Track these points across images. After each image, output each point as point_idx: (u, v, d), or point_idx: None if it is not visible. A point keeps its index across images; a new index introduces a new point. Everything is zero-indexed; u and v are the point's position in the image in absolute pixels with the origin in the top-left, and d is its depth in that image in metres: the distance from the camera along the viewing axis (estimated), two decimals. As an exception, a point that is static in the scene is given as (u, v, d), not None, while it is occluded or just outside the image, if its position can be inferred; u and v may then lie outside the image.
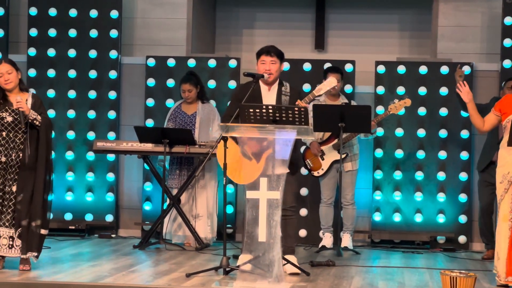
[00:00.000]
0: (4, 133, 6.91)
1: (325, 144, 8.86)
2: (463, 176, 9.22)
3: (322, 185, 8.97)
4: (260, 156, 6.43)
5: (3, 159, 6.88)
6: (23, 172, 6.87)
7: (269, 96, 7.10)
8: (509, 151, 6.73)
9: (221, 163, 6.97)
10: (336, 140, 8.80)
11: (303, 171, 9.19)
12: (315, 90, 7.02)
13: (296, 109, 6.54)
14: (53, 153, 9.50)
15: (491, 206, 8.51)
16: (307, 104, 6.87)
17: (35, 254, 6.87)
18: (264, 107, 6.57)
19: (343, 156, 8.64)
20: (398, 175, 9.34)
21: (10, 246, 6.87)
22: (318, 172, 8.88)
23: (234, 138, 6.72)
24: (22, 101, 6.81)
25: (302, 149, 9.00)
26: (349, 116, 8.36)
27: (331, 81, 7.05)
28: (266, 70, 7.04)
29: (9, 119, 6.89)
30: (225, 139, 6.67)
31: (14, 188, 6.87)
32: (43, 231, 6.92)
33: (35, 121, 6.84)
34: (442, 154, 9.29)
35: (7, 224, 6.87)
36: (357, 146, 8.99)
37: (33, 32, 9.87)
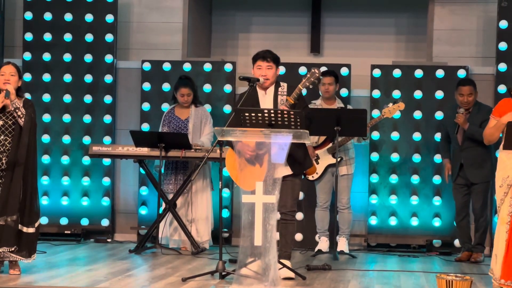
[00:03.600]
0: None
1: (319, 148, 8.87)
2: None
3: (318, 189, 8.97)
4: (262, 160, 6.46)
5: None
6: (6, 174, 6.88)
7: (266, 100, 7.12)
8: (508, 154, 6.72)
9: (231, 172, 6.92)
10: (330, 144, 8.81)
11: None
12: (300, 84, 7.01)
13: (292, 113, 6.55)
14: (48, 157, 9.54)
15: (465, 208, 8.67)
16: (295, 100, 6.90)
17: (12, 249, 6.80)
18: (259, 111, 6.57)
19: (338, 160, 8.64)
20: (394, 178, 9.34)
21: None
22: (312, 176, 8.88)
23: (231, 144, 6.73)
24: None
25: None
26: (344, 119, 8.37)
27: (313, 72, 7.02)
28: (263, 75, 7.05)
29: (0, 123, 6.90)
30: (220, 143, 6.67)
31: None
32: (25, 229, 6.87)
33: (17, 110, 6.83)
34: (438, 158, 9.29)
35: None
36: (352, 150, 8.99)
37: (28, 36, 9.85)
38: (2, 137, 6.91)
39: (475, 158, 8.51)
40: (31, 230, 6.93)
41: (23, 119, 6.86)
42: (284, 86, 7.17)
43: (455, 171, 8.65)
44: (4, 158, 6.88)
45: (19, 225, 6.86)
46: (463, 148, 8.53)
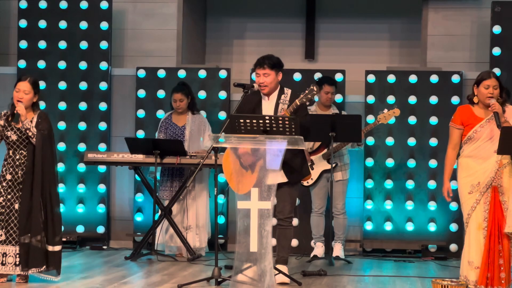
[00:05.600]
0: (10, 151, 6.96)
1: (314, 154, 8.88)
2: (453, 184, 9.17)
3: (313, 195, 8.98)
4: (254, 167, 6.47)
5: (8, 176, 6.92)
6: (23, 188, 6.90)
7: (268, 106, 7.14)
8: (476, 160, 6.71)
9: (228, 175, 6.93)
10: (325, 150, 8.82)
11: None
12: (298, 99, 7.03)
13: (287, 119, 6.56)
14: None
15: None
16: (291, 114, 6.90)
17: (41, 269, 6.85)
18: (254, 117, 6.58)
19: (333, 165, 8.65)
20: (389, 184, 9.35)
21: (16, 263, 6.87)
22: (307, 182, 8.88)
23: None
24: (22, 106, 6.85)
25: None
26: (339, 125, 8.38)
27: (311, 89, 7.02)
28: (260, 83, 7.08)
29: (14, 137, 6.94)
30: (215, 149, 6.69)
31: (16, 206, 6.90)
32: (51, 248, 6.90)
33: (28, 131, 6.86)
34: (433, 163, 9.31)
35: (13, 242, 6.87)
36: (347, 156, 9.00)
37: (23, 44, 9.85)
38: (17, 151, 6.94)
39: None
40: (57, 248, 6.94)
41: (34, 139, 6.88)
42: (287, 93, 7.17)
43: None
44: (20, 172, 6.91)
45: (46, 244, 6.90)
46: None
